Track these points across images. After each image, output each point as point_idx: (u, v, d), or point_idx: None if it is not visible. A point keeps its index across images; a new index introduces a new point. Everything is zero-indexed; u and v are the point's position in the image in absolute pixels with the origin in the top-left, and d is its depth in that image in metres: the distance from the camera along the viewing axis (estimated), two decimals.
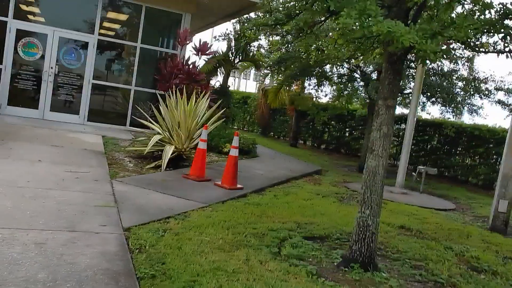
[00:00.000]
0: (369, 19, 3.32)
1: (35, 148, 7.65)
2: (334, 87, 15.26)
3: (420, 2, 3.92)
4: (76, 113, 11.33)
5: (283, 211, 6.33)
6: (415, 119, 10.87)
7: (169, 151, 7.91)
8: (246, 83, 37.35)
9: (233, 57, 12.85)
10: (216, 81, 13.75)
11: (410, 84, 13.91)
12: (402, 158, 10.46)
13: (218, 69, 12.86)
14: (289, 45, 12.99)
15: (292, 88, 16.84)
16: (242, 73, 30.58)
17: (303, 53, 12.83)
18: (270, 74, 18.51)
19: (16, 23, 10.63)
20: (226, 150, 10.72)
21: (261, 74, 20.95)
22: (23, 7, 10.99)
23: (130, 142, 9.91)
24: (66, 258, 3.50)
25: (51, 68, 10.96)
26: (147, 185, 6.53)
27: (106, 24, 11.77)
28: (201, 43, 10.63)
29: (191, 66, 10.43)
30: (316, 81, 15.28)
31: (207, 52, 10.68)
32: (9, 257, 3.36)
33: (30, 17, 11.07)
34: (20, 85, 10.84)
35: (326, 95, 15.42)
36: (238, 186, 7.33)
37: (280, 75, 15.91)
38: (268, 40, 16.55)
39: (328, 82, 15.07)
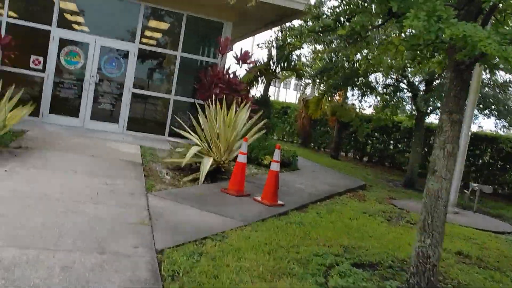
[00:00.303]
0: (440, 21, 2.84)
1: (72, 158, 7.50)
2: (378, 98, 14.66)
3: (496, 3, 3.40)
4: (115, 122, 11.25)
5: (327, 232, 5.84)
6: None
7: (207, 163, 7.59)
8: (286, 93, 36.96)
9: (274, 66, 12.47)
10: (256, 91, 13.41)
11: None
12: (455, 175, 9.73)
13: (259, 79, 12.52)
14: (333, 54, 12.53)
15: (334, 98, 16.30)
16: (282, 83, 30.24)
17: (348, 62, 12.34)
18: (311, 84, 18.10)
19: (59, 31, 10.67)
20: (265, 162, 10.34)
21: (302, 84, 20.55)
22: (67, 16, 11.05)
23: (168, 152, 9.68)
24: (92, 286, 3.17)
25: (92, 77, 10.93)
26: (183, 199, 6.20)
27: (147, 32, 11.68)
28: (242, 52, 10.33)
29: (231, 76, 10.14)
30: (359, 91, 14.72)
31: (248, 61, 10.37)
32: (31, 283, 3.06)
33: (73, 26, 11.10)
34: (61, 93, 10.87)
35: (370, 106, 14.78)
36: (279, 202, 6.90)
37: (322, 85, 15.45)
38: (312, 50, 16.17)
39: (372, 93, 14.49)
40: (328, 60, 12.74)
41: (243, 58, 10.26)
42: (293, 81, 33.38)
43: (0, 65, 10.23)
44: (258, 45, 14.22)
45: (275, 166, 6.98)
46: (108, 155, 8.28)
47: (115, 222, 4.66)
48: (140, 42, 11.25)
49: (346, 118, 16.58)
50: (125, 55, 11.20)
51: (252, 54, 10.48)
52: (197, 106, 8.55)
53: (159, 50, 11.74)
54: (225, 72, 10.40)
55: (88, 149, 8.49)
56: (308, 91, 20.74)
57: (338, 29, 4.20)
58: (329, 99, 16.20)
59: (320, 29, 4.97)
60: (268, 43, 12.95)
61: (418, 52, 4.37)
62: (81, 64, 10.89)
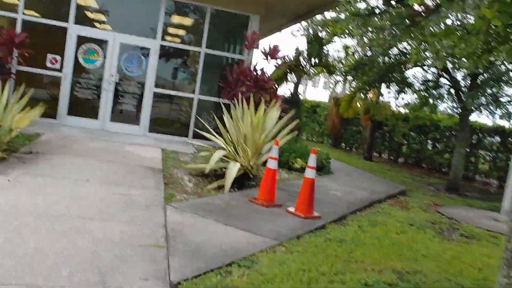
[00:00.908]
0: None
1: (86, 164, 6.84)
2: (415, 96, 13.61)
3: None
4: (136, 123, 10.61)
5: (374, 252, 4.98)
6: None
7: (233, 169, 6.82)
8: (314, 92, 35.93)
9: (304, 62, 11.61)
10: (286, 89, 12.58)
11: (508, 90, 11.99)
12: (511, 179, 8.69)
13: (288, 76, 11.68)
14: (368, 48, 11.59)
15: (367, 96, 15.31)
16: (311, 81, 29.29)
17: (385, 57, 11.38)
18: (342, 81, 17.15)
19: (76, 29, 10.09)
20: (297, 166, 9.51)
21: (332, 81, 19.59)
22: (84, 12, 10.47)
23: (191, 156, 8.96)
24: None
25: (111, 75, 10.32)
26: (206, 212, 5.44)
27: (169, 28, 11.00)
28: (271, 46, 9.52)
29: (259, 72, 9.34)
30: (396, 88, 13.70)
31: (277, 56, 9.55)
32: None
33: (91, 22, 10.51)
34: (79, 94, 10.29)
35: (407, 104, 13.74)
36: (315, 214, 6.07)
37: (355, 82, 14.50)
38: (344, 46, 15.23)
39: (409, 89, 13.45)
40: (362, 55, 11.78)
41: (272, 53, 9.45)
42: (322, 79, 32.35)
43: (16, 65, 9.72)
44: (292, 34, 13.25)
45: (310, 173, 6.15)
46: (126, 160, 7.60)
47: (124, 245, 3.92)
48: (162, 39, 10.58)
49: (380, 116, 15.58)
50: (146, 52, 10.55)
51: (279, 50, 9.65)
52: (222, 105, 7.79)
53: (182, 46, 11.04)
54: (252, 68, 9.61)
55: (105, 153, 7.84)
56: (338, 89, 19.79)
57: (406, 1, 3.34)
58: (363, 96, 15.21)
59: (367, 12, 4.13)
60: (304, 30, 12.02)
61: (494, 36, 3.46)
62: (99, 63, 10.29)
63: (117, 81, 10.41)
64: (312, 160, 6.21)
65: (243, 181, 7.32)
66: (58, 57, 10.05)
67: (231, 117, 7.54)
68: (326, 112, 20.15)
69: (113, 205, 5.06)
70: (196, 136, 10.27)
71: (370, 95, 16.50)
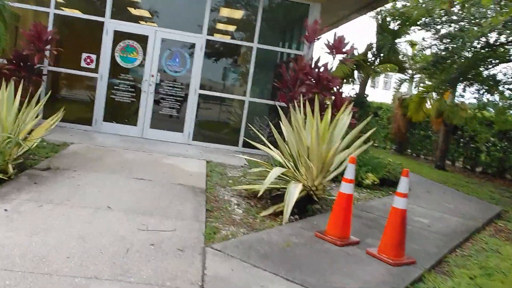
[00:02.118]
0: None
1: (115, 183, 5.56)
2: (497, 97, 11.58)
3: None
4: (179, 130, 9.33)
5: None
6: None
7: (294, 192, 5.31)
8: (373, 92, 33.66)
9: (373, 58, 9.91)
10: (351, 89, 10.93)
11: None
12: None
13: (355, 73, 10.03)
14: (451, 40, 9.75)
15: (442, 96, 13.31)
16: (370, 81, 27.23)
17: (471, 48, 9.50)
18: (410, 79, 15.26)
19: (113, 23, 8.95)
20: (367, 182, 7.88)
21: (396, 80, 17.66)
22: (122, 5, 9.30)
23: (241, 170, 7.53)
24: None
25: (152, 76, 9.10)
26: (261, 258, 3.96)
27: (216, 22, 9.66)
28: (336, 37, 7.92)
29: (321, 69, 7.78)
30: (478, 87, 11.71)
31: (345, 50, 7.94)
32: None
33: (129, 16, 9.33)
34: (117, 97, 9.14)
35: (495, 104, 11.69)
36: (407, 259, 4.45)
37: (427, 80, 12.59)
38: (412, 46, 13.36)
39: (494, 89, 11.42)
40: (444, 48, 9.94)
41: (338, 46, 7.85)
42: (381, 78, 30.12)
43: (47, 65, 8.70)
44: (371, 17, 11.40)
45: (400, 203, 4.54)
46: (164, 176, 6.28)
47: None
48: (208, 33, 9.25)
49: (457, 120, 13.53)
50: (191, 49, 9.26)
51: (347, 42, 8.02)
52: (279, 109, 6.30)
53: (231, 41, 9.65)
54: (313, 65, 8.06)
55: (140, 168, 6.56)
56: (403, 88, 17.80)
57: None
58: (435, 97, 13.23)
59: None
60: (383, 12, 10.23)
61: None
62: (139, 62, 9.10)
63: (158, 82, 9.17)
64: (403, 185, 4.58)
65: (305, 204, 5.81)
66: (93, 56, 8.95)
67: (290, 124, 6.04)
68: (389, 114, 18.20)
69: (135, 249, 3.69)
70: (247, 145, 8.87)
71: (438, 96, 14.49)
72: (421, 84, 13.60)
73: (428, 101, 14.79)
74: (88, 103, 9.10)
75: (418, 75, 14.91)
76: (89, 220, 4.20)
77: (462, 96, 13.01)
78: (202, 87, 9.31)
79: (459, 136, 15.43)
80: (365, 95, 10.60)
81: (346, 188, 4.80)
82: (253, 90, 9.38)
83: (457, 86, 12.89)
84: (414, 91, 16.69)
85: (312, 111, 5.99)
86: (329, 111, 6.04)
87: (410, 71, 14.25)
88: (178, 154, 7.96)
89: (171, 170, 6.77)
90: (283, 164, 6.18)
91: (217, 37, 9.45)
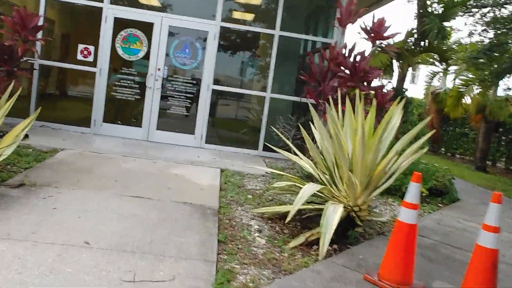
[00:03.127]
0: None
1: (101, 204, 4.35)
2: None
3: None
4: (190, 132, 8.10)
5: None
6: None
7: (333, 216, 4.03)
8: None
9: (413, 45, 8.51)
10: (387, 82, 9.55)
11: None
12: None
13: (394, 63, 8.65)
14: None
15: (489, 90, 11.83)
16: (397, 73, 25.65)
17: None
18: (444, 71, 13.78)
19: (113, 9, 7.76)
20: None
21: (428, 73, 16.17)
22: None
23: (263, 180, 6.27)
24: None
25: (158, 69, 7.88)
26: None
27: (232, 5, 8.38)
28: (375, 20, 6.57)
29: (358, 59, 6.45)
30: None
31: (386, 35, 6.57)
32: None
33: (131, 1, 8.11)
34: (118, 94, 7.95)
35: None
36: None
37: (470, 73, 11.12)
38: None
39: None
40: (493, 33, 8.51)
41: (377, 30, 6.50)
42: (409, 71, 28.41)
43: (37, 58, 7.56)
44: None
45: (490, 240, 3.21)
46: (168, 193, 5.06)
47: None
48: (223, 20, 7.99)
49: (502, 116, 12.06)
50: (203, 38, 8.01)
51: (388, 26, 6.66)
52: (310, 107, 5.00)
53: (249, 28, 8.35)
54: (347, 53, 6.74)
55: (138, 182, 5.35)
56: (435, 82, 16.30)
57: None
58: (479, 90, 11.77)
59: None
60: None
61: None
62: (143, 53, 7.89)
63: (165, 76, 7.96)
64: (494, 215, 3.25)
65: (345, 227, 4.53)
66: (91, 48, 7.78)
67: (323, 126, 4.75)
68: (421, 110, 16.71)
69: None
70: (268, 148, 7.62)
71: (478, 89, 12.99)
72: (460, 77, 12.12)
73: (467, 96, 13.35)
74: (86, 102, 7.94)
75: (455, 67, 13.40)
76: (52, 268, 2.98)
77: (510, 89, 11.50)
78: (216, 82, 8.07)
79: (501, 134, 13.93)
80: (403, 89, 9.22)
81: (408, 216, 3.49)
82: (274, 85, 8.09)
83: (503, 79, 11.41)
84: (450, 85, 15.21)
85: (353, 109, 4.69)
86: (374, 110, 4.71)
87: (444, 63, 12.76)
88: (188, 161, 6.74)
89: (177, 183, 5.54)
90: (314, 175, 4.93)
91: (233, 24, 8.16)
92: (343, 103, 5.80)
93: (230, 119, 8.60)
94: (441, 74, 15.72)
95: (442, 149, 16.49)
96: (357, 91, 5.00)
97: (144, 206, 4.47)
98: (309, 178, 6.56)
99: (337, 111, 4.71)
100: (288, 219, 4.07)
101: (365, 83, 6.57)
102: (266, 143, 7.80)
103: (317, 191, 4.46)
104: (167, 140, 7.99)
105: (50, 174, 5.08)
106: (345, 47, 6.77)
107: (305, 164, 5.03)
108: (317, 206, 4.57)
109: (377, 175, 4.33)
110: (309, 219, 4.77)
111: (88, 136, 7.65)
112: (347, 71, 6.53)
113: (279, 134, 5.85)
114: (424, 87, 16.37)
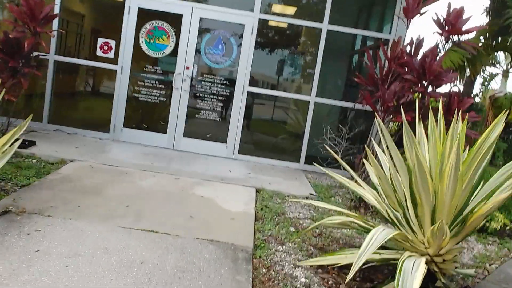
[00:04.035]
0: None
1: (101, 243, 3.32)
2: None
3: None
4: (222, 140, 7.05)
5: None
6: None
7: (414, 274, 2.89)
8: (442, 88, 30.03)
9: (489, 42, 7.16)
10: (452, 86, 8.22)
11: None
12: None
13: (467, 64, 7.33)
14: None
15: None
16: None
17: None
18: (505, 73, 12.25)
19: (137, 0, 6.80)
20: (494, 226, 5.29)
21: (485, 75, 14.59)
22: None
23: (308, 208, 5.14)
24: None
25: (187, 68, 6.87)
26: None
27: None
28: (452, 11, 5.31)
29: (428, 58, 5.22)
30: None
31: (465, 28, 5.29)
32: None
33: None
34: (142, 95, 6.99)
35: None
36: None
37: None
38: None
39: None
40: None
41: (454, 23, 5.25)
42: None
43: (52, 53, 6.69)
44: None
45: None
46: (189, 224, 4.00)
47: None
48: (262, 11, 6.89)
49: None
50: (239, 32, 6.94)
51: (467, 19, 5.40)
52: (377, 119, 3.83)
53: (292, 21, 7.21)
54: (412, 51, 5.51)
55: (155, 207, 4.32)
56: (494, 85, 14.72)
57: None
58: None
59: None
60: None
61: None
62: (170, 49, 6.89)
63: (194, 76, 6.94)
64: None
65: (426, 284, 3.34)
66: (112, 42, 6.84)
67: (389, 150, 3.56)
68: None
69: None
70: (311, 159, 6.49)
71: None
72: None
73: None
74: (105, 104, 7.02)
75: None
76: None
77: None
78: (252, 83, 6.98)
79: None
80: (473, 95, 7.88)
81: None
82: (320, 88, 6.92)
83: None
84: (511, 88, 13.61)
85: (436, 123, 3.50)
86: (464, 126, 3.47)
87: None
88: (217, 178, 5.68)
89: (203, 209, 4.48)
90: (379, 210, 3.78)
91: (274, 16, 7.06)
92: (408, 112, 4.64)
93: (267, 127, 7.49)
94: (500, 76, 14.16)
95: (499, 160, 14.87)
96: (440, 100, 3.80)
97: (158, 246, 3.42)
98: (362, 202, 5.41)
99: (436, 125, 3.50)
100: (350, 277, 2.92)
101: (435, 88, 5.33)
102: (309, 155, 6.68)
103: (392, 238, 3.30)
104: (195, 149, 6.96)
105: (47, 196, 4.11)
106: (411, 43, 5.54)
107: (368, 195, 3.87)
108: (385, 256, 3.42)
109: (476, 218, 3.13)
110: (372, 268, 3.62)
111: (105, 143, 6.71)
112: (414, 73, 5.30)
113: (329, 149, 4.70)
114: (481, 90, 14.81)
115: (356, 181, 4.11)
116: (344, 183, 4.12)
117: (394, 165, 3.44)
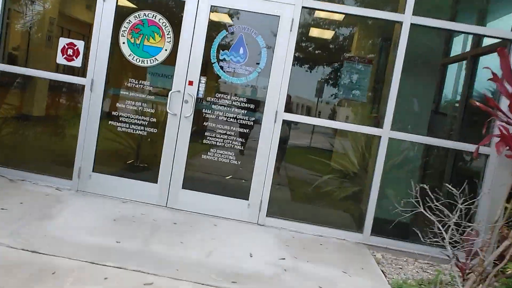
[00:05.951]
0: None
1: None
2: None
3: None
4: (241, 195, 4.55)
5: None
6: None
7: None
8: None
9: None
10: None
11: None
12: None
13: None
14: None
15: None
16: None
17: None
18: None
19: None
20: None
21: None
22: None
23: None
24: None
25: (190, 83, 4.47)
26: None
27: None
28: None
29: None
30: None
31: None
32: None
33: None
34: (121, 124, 4.62)
35: None
36: None
37: None
38: None
39: None
40: None
41: None
42: None
43: None
44: None
45: None
46: None
47: None
48: None
49: None
50: (269, 29, 4.50)
51: None
52: None
53: (352, 11, 4.67)
54: None
55: None
56: None
57: None
58: None
59: None
60: None
61: None
62: (165, 54, 4.52)
63: (200, 95, 4.53)
64: None
65: None
66: (79, 44, 4.54)
67: None
68: None
69: None
70: (380, 226, 3.96)
71: None
72: None
73: None
74: (67, 136, 4.70)
75: None
76: None
77: None
78: (290, 107, 4.51)
79: None
80: None
81: None
82: (399, 117, 4.36)
83: None
84: None
85: None
86: None
87: None
88: (225, 274, 3.18)
89: None
90: None
91: (325, 4, 4.55)
92: None
93: (311, 175, 4.95)
94: None
95: None
96: None
97: None
98: None
99: None
100: None
101: None
102: (378, 218, 4.13)
103: None
104: (200, 207, 4.51)
105: None
106: None
107: None
108: None
109: None
110: None
111: (61, 197, 4.34)
112: None
113: (436, 223, 2.15)
114: None
115: None
116: None
117: None
